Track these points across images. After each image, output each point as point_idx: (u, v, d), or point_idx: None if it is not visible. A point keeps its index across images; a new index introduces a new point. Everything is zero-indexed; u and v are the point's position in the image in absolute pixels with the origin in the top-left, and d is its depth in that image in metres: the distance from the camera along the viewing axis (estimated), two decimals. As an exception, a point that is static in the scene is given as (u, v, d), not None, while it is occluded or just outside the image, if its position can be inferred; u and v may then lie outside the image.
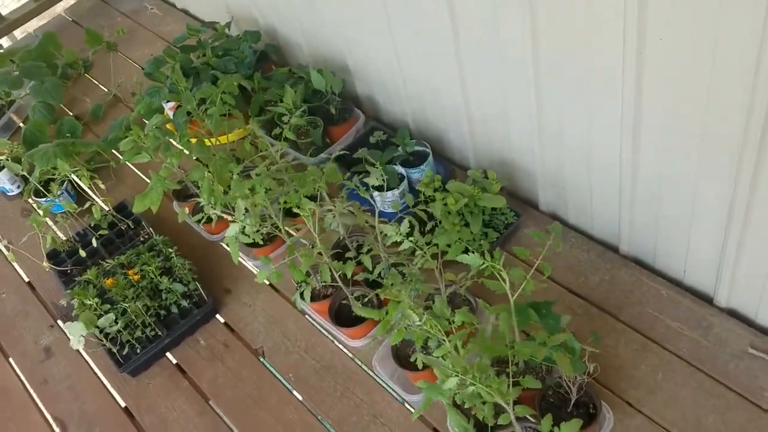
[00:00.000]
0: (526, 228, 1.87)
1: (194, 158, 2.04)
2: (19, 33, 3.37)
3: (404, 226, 1.46)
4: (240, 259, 2.00)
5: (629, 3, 1.22)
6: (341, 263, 1.65)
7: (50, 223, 2.24)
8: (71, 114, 2.72)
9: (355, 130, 2.23)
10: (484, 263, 1.25)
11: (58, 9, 3.35)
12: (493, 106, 1.78)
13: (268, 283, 1.97)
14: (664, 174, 1.49)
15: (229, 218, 1.69)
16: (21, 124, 2.72)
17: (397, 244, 1.49)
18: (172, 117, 2.30)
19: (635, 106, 1.40)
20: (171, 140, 1.94)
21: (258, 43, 2.44)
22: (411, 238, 1.45)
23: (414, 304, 1.36)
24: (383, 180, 1.64)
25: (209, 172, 1.89)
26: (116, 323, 1.76)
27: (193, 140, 2.03)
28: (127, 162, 1.92)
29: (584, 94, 1.49)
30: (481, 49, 1.66)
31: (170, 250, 1.92)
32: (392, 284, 1.53)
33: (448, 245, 1.60)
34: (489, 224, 1.83)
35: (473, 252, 1.28)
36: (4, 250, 2.27)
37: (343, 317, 1.76)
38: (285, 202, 1.60)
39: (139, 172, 2.39)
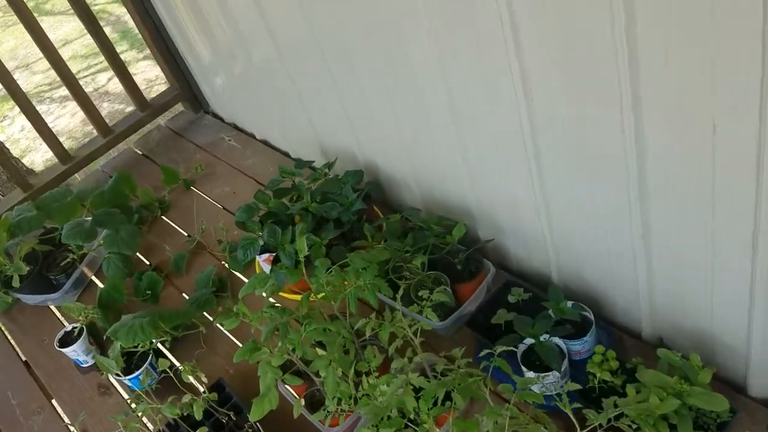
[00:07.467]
0: (743, 428, 1.47)
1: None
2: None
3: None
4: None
5: None
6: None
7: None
8: (148, 263, 2.45)
9: (485, 285, 1.89)
10: None
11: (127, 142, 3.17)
12: (691, 252, 1.40)
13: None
14: None
15: None
16: (93, 278, 2.46)
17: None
18: (267, 270, 2.03)
19: None
20: (291, 321, 1.61)
21: (360, 183, 2.16)
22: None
23: None
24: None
25: (333, 361, 1.56)
26: None
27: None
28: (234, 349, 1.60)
29: None
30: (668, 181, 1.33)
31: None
32: None
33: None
34: (695, 423, 1.44)
35: None
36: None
37: None
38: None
39: (232, 337, 2.07)
